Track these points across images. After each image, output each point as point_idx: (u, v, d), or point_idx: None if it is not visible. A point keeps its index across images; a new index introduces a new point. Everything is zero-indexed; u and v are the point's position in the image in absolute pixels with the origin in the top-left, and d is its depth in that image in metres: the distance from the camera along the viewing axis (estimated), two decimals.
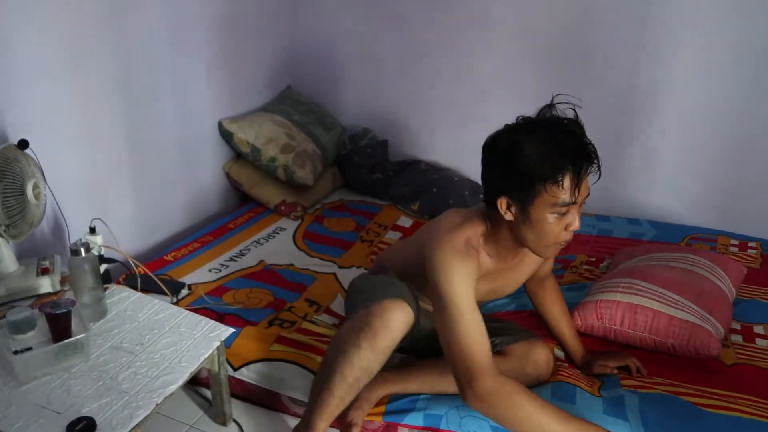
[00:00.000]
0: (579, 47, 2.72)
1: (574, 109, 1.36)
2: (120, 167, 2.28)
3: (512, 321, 1.91)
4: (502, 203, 1.39)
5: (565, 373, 1.72)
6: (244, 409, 1.86)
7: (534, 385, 1.67)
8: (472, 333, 1.37)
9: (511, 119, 3.16)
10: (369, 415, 1.64)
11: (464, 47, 2.92)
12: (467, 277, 1.41)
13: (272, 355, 1.80)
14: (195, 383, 1.93)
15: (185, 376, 1.48)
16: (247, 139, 2.70)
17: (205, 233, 2.53)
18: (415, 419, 1.63)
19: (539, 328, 1.88)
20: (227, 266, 2.30)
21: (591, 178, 1.37)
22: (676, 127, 2.70)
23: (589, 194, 1.37)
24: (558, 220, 1.36)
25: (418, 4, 2.93)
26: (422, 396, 1.67)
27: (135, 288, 1.93)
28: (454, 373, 1.39)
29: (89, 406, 1.35)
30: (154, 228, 2.51)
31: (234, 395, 1.86)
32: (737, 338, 1.91)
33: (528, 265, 1.63)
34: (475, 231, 1.48)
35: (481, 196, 1.50)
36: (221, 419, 1.78)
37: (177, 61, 2.44)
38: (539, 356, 1.68)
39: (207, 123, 2.71)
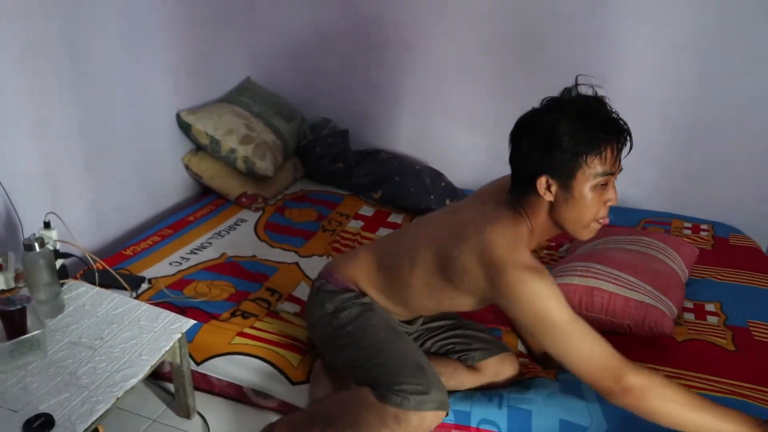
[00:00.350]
0: (533, 36, 2.76)
1: (595, 91, 1.37)
2: (75, 160, 2.23)
3: (483, 315, 1.95)
4: (541, 183, 1.35)
5: (527, 370, 1.76)
6: (208, 401, 1.85)
7: None
8: (590, 341, 1.30)
9: (470, 107, 3.20)
10: None
11: (422, 36, 2.93)
12: (550, 286, 1.32)
13: (234, 348, 1.80)
14: (158, 377, 1.91)
15: (146, 369, 1.47)
16: (205, 131, 2.67)
17: (165, 226, 2.50)
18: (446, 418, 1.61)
19: (506, 319, 1.92)
20: (188, 259, 2.28)
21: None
22: (628, 114, 2.67)
23: (622, 169, 1.38)
24: (598, 196, 1.35)
25: None
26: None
27: (94, 283, 1.90)
28: (593, 384, 1.31)
29: (47, 403, 1.33)
30: (112, 222, 2.46)
31: (197, 388, 1.85)
32: (689, 316, 1.98)
33: None
34: (524, 234, 1.42)
35: (511, 191, 1.45)
36: (185, 412, 1.77)
37: (132, 52, 2.40)
38: (509, 371, 1.71)
39: (165, 115, 2.67)
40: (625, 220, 2.69)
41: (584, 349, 1.30)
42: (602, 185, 1.34)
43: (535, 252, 2.40)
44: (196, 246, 2.39)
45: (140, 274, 2.13)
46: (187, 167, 2.79)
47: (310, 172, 3.09)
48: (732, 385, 1.64)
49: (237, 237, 2.49)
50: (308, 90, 3.23)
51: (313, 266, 2.29)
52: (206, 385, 1.85)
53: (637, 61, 2.67)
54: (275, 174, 2.84)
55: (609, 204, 1.37)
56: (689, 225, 2.68)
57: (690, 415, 1.26)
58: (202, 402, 1.83)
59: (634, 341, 1.82)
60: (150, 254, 2.28)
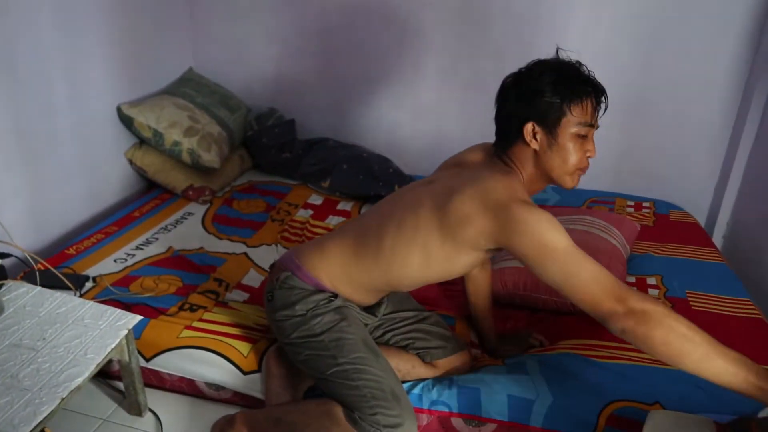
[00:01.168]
0: (478, 22, 2.78)
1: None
2: (11, 159, 2.16)
3: (437, 301, 1.98)
4: (528, 129, 1.43)
5: (477, 362, 1.79)
6: (160, 397, 1.83)
7: None
8: (594, 265, 1.29)
9: (415, 93, 3.20)
10: None
11: (365, 23, 2.92)
12: (552, 218, 1.34)
13: (183, 342, 1.77)
14: (107, 376, 1.88)
15: (92, 368, 1.44)
16: (148, 124, 2.61)
17: (109, 223, 2.44)
18: None
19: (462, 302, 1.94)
20: (134, 255, 2.24)
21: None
22: None
23: (598, 126, 1.47)
24: (580, 145, 1.43)
25: None
26: None
27: (35, 284, 1.85)
28: (594, 307, 1.26)
29: None
30: (53, 221, 2.39)
31: (149, 385, 1.83)
32: None
33: None
34: (519, 185, 1.46)
35: (496, 147, 1.53)
36: (136, 410, 1.75)
37: (68, 43, 2.32)
38: (464, 366, 1.74)
39: (105, 108, 2.60)
40: (571, 201, 2.75)
41: (587, 272, 1.28)
42: (583, 136, 1.43)
43: None
44: (141, 242, 2.34)
45: (84, 273, 2.08)
46: (130, 162, 2.73)
47: (258, 163, 3.06)
48: None
49: (184, 231, 2.45)
50: (253, 80, 3.19)
51: (262, 255, 2.29)
52: (157, 381, 1.83)
53: (579, 43, 2.69)
54: (222, 166, 2.80)
55: (589, 155, 1.45)
56: (632, 203, 2.76)
57: (693, 350, 1.18)
58: (154, 398, 1.81)
59: (580, 319, 1.87)
60: (94, 252, 2.23)
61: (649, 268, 2.17)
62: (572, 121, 1.40)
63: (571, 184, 1.49)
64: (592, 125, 1.44)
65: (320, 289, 1.57)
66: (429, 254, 1.47)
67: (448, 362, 1.71)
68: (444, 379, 1.65)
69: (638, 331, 1.20)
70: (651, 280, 2.09)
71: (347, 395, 1.47)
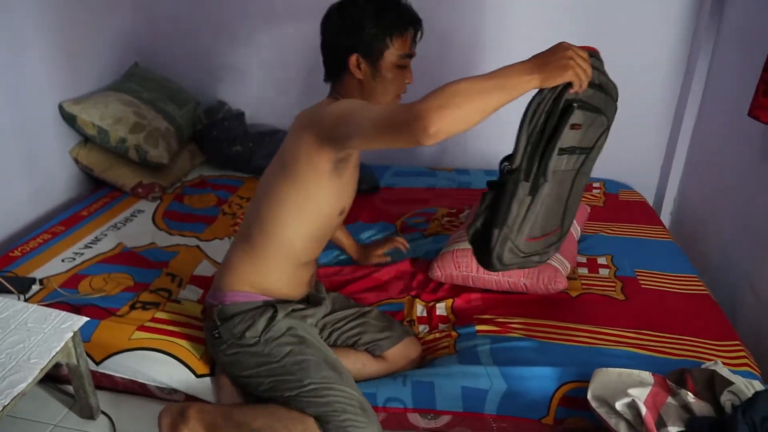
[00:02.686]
0: (419, 7, 2.77)
1: None
2: None
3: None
4: (353, 61, 1.50)
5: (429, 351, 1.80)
6: (112, 399, 1.80)
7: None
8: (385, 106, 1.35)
9: None
10: None
11: (308, 11, 2.88)
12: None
13: (134, 344, 1.74)
14: (56, 381, 1.84)
15: (35, 373, 1.41)
16: (92, 121, 2.55)
17: (56, 223, 2.38)
18: None
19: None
20: (82, 254, 2.19)
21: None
22: None
23: (415, 55, 1.58)
24: (400, 75, 1.53)
25: None
26: None
27: None
28: (398, 132, 1.25)
29: None
30: None
31: (101, 387, 1.79)
32: (583, 271, 2.08)
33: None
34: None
35: (327, 80, 1.60)
36: (88, 413, 1.72)
37: (4, 43, 2.25)
38: (413, 353, 1.76)
39: (46, 106, 2.52)
40: None
41: (377, 108, 1.32)
42: (403, 67, 1.53)
43: (437, 220, 2.46)
44: (90, 240, 2.29)
45: (30, 275, 2.03)
46: (76, 160, 2.66)
47: (209, 158, 3.02)
48: (625, 336, 1.72)
49: (134, 228, 2.41)
50: (200, 72, 3.13)
51: (215, 248, 2.27)
52: (109, 383, 1.80)
53: (524, 27, 2.74)
54: (171, 161, 2.75)
55: (408, 82, 1.56)
56: None
57: (476, 82, 1.22)
58: (107, 400, 1.78)
59: (532, 300, 1.90)
60: (41, 253, 2.17)
61: (600, 248, 2.21)
62: (394, 53, 1.50)
63: None
64: (411, 56, 1.55)
65: (254, 302, 1.58)
66: (292, 201, 1.52)
67: (397, 351, 1.72)
68: (398, 376, 1.65)
69: (445, 114, 1.18)
70: (602, 260, 2.13)
71: (318, 411, 1.46)
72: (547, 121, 1.33)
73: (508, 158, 1.37)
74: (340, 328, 1.75)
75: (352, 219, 2.42)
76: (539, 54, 1.28)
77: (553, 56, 1.26)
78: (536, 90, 1.28)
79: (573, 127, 1.35)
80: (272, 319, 1.56)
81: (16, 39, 2.31)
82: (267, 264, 1.58)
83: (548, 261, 1.88)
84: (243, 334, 1.54)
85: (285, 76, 3.06)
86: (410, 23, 1.52)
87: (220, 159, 2.96)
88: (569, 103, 1.31)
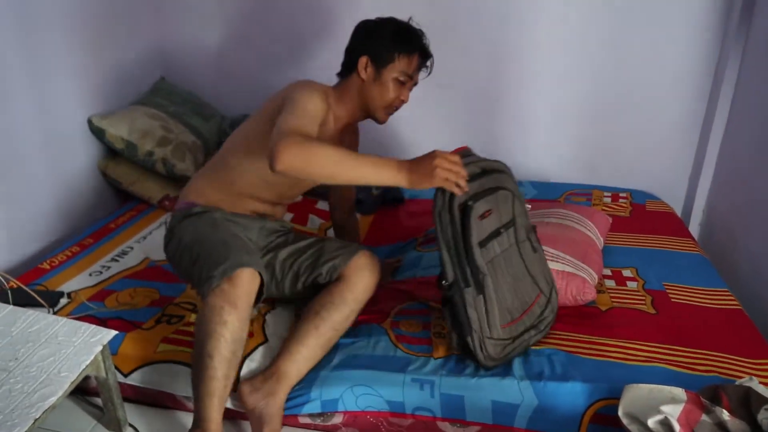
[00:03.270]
0: (443, 20, 2.77)
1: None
2: None
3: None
4: (362, 61, 1.80)
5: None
6: (139, 411, 1.81)
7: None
8: (301, 120, 1.58)
9: None
10: None
11: (335, 27, 2.91)
12: (319, 101, 1.71)
13: (160, 357, 1.76)
14: (85, 393, 1.86)
15: (66, 386, 1.42)
16: (120, 135, 2.59)
17: (85, 236, 2.42)
18: (314, 407, 1.65)
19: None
20: (109, 267, 2.21)
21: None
22: (544, 91, 2.82)
23: (417, 84, 1.89)
24: (397, 88, 1.82)
25: None
26: (315, 383, 1.67)
27: (7, 303, 1.82)
28: (269, 144, 1.49)
29: None
30: (26, 237, 2.35)
31: (128, 399, 1.80)
32: (611, 283, 2.04)
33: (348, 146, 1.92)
34: (328, 90, 1.85)
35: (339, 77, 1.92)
36: (116, 426, 1.72)
37: (31, 55, 2.29)
38: (369, 267, 1.78)
39: (75, 120, 2.57)
40: (549, 194, 2.76)
41: (292, 118, 1.57)
42: (402, 82, 1.81)
43: None
44: (117, 253, 2.32)
45: (59, 289, 2.05)
46: (104, 173, 2.70)
47: None
48: (656, 351, 1.69)
49: (160, 241, 2.39)
50: (226, 86, 3.16)
51: None
52: (136, 394, 1.81)
53: (548, 37, 2.73)
54: None
55: (402, 100, 1.85)
56: (608, 194, 2.76)
57: (344, 155, 1.48)
58: (134, 413, 1.79)
59: (561, 314, 1.86)
60: (70, 266, 2.20)
61: (625, 260, 2.17)
62: (397, 68, 1.79)
63: (383, 119, 1.89)
64: (412, 77, 1.83)
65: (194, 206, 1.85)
66: (250, 152, 1.82)
67: (353, 267, 1.75)
68: (425, 384, 1.62)
69: (295, 152, 1.44)
70: (627, 272, 2.10)
71: (196, 282, 1.64)
72: (454, 228, 1.51)
73: (442, 276, 1.55)
74: (299, 256, 1.86)
75: (374, 241, 2.43)
76: (413, 160, 1.49)
77: (421, 166, 1.47)
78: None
79: (484, 216, 1.52)
80: (204, 213, 1.82)
81: (48, 56, 2.35)
82: (217, 184, 1.88)
83: (575, 272, 1.87)
84: (172, 232, 1.83)
85: None
86: (419, 50, 1.82)
87: None
88: (465, 203, 1.49)
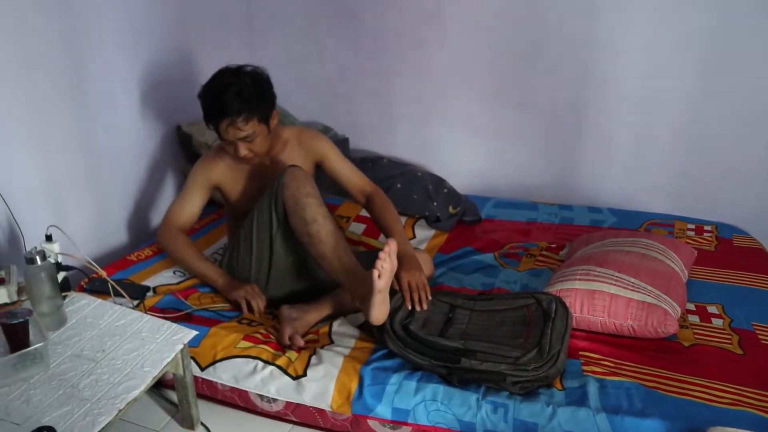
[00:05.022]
0: (530, 41, 2.76)
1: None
2: (76, 173, 2.25)
3: None
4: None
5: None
6: (213, 410, 1.85)
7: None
8: (181, 204, 2.09)
9: (469, 113, 3.19)
10: (338, 406, 1.67)
11: (420, 44, 2.94)
12: (200, 172, 2.10)
13: (238, 352, 1.79)
14: (162, 386, 1.92)
15: (148, 381, 1.48)
16: (206, 141, 2.68)
17: None
18: (384, 412, 1.65)
19: None
20: None
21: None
22: (629, 117, 2.76)
23: (247, 134, 1.91)
24: (231, 149, 1.96)
25: (370, 4, 2.95)
26: (390, 382, 1.67)
27: (96, 293, 1.91)
28: None
29: (49, 416, 1.34)
30: (115, 234, 2.49)
31: (202, 396, 1.85)
32: (694, 318, 1.96)
33: (291, 160, 2.16)
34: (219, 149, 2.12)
35: None
36: (189, 423, 1.77)
37: (132, 66, 2.43)
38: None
39: (165, 127, 2.69)
40: (628, 223, 2.68)
41: (175, 204, 2.13)
42: (231, 141, 1.93)
43: (532, 255, 2.41)
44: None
45: (144, 283, 2.13)
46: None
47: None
48: (743, 395, 1.60)
49: None
50: (307, 98, 3.23)
51: None
52: (210, 391, 1.85)
53: (637, 62, 2.66)
54: None
55: (236, 154, 1.97)
56: (692, 226, 2.66)
57: (185, 258, 2.08)
58: (206, 411, 1.84)
59: (642, 348, 1.81)
60: (155, 263, 2.27)
61: (710, 295, 2.08)
62: (222, 134, 1.92)
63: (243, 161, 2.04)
64: (232, 141, 1.92)
65: None
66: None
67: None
68: (499, 408, 1.59)
69: (164, 247, 2.14)
70: (712, 309, 2.01)
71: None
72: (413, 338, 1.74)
73: (449, 373, 1.68)
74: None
75: (448, 249, 2.42)
76: (234, 284, 2.03)
77: (231, 294, 2.02)
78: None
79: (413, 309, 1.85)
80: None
81: (139, 64, 2.49)
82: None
83: (657, 303, 1.80)
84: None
85: (390, 105, 3.11)
86: (220, 117, 1.88)
87: (323, 181, 3.02)
88: (404, 319, 1.80)
